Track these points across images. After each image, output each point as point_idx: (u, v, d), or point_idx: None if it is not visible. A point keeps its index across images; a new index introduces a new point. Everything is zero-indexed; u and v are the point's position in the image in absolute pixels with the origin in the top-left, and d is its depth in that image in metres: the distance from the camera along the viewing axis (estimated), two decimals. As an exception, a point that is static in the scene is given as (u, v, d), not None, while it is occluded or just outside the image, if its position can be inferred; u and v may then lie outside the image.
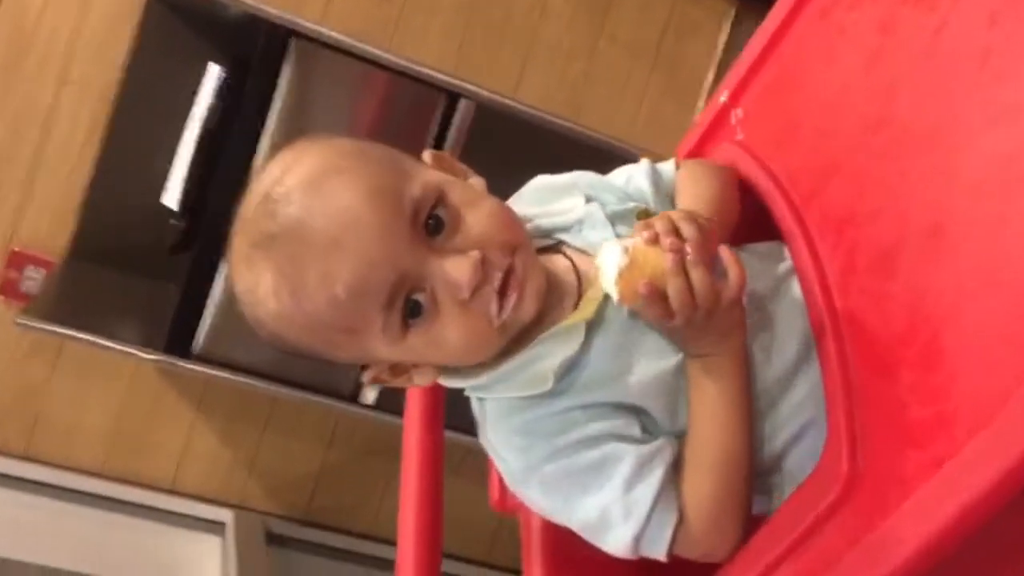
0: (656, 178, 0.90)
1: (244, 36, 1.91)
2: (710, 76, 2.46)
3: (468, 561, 2.40)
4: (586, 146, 2.03)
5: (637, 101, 2.38)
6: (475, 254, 0.72)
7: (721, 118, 0.98)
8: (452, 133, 1.90)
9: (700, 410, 0.77)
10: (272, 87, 1.85)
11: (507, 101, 1.96)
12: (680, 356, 0.78)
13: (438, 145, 1.91)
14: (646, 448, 0.76)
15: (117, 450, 2.29)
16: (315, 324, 0.74)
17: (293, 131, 1.86)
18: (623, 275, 0.71)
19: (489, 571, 2.44)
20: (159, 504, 2.30)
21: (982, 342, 0.61)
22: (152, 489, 2.30)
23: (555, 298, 0.80)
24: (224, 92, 1.96)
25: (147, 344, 1.94)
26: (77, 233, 2.17)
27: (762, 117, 0.94)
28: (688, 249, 0.71)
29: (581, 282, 0.81)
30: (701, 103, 2.44)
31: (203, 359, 1.90)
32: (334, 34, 1.85)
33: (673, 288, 0.71)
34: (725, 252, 0.74)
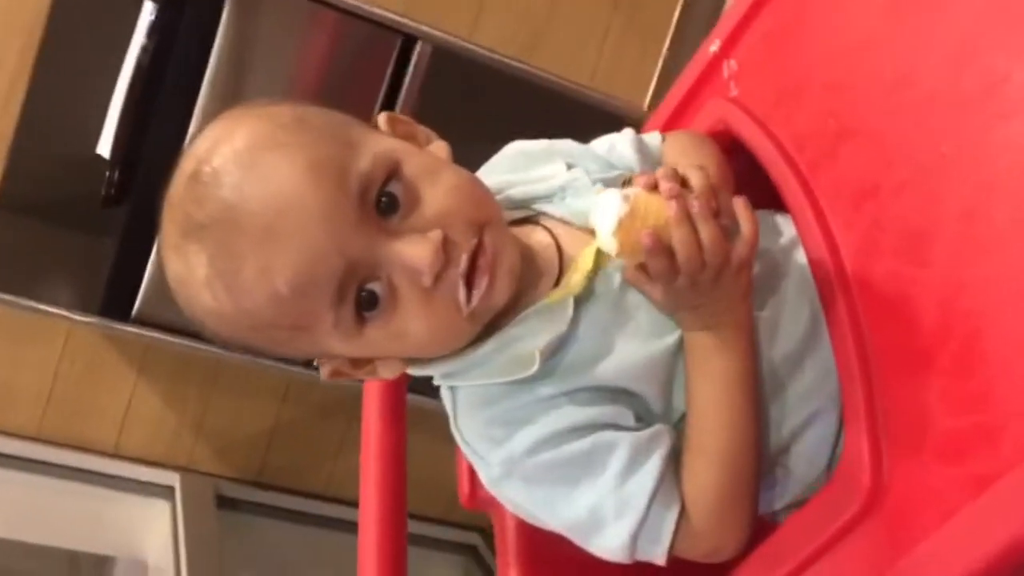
0: (641, 147, 0.82)
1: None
2: (675, 15, 2.35)
3: (427, 519, 2.35)
4: (548, 91, 1.93)
5: (599, 42, 2.27)
6: (436, 234, 0.63)
7: (712, 70, 0.89)
8: (408, 79, 1.78)
9: (703, 390, 0.69)
10: (212, 27, 1.72)
11: (465, 44, 1.85)
12: (676, 335, 0.69)
13: (393, 92, 1.80)
14: (642, 435, 0.68)
15: (54, 413, 2.19)
16: (257, 322, 0.65)
17: (235, 75, 1.75)
18: (623, 224, 0.63)
19: (449, 528, 2.40)
20: (102, 469, 2.22)
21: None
22: (94, 453, 2.22)
23: (532, 276, 0.71)
24: (158, 32, 1.82)
25: (82, 306, 1.83)
26: (2, 183, 2.03)
27: (760, 70, 0.84)
28: (694, 202, 0.64)
29: (563, 257, 0.72)
30: (666, 44, 2.34)
31: (143, 322, 1.79)
32: (278, -31, 1.71)
33: (679, 239, 0.63)
34: (740, 204, 0.65)
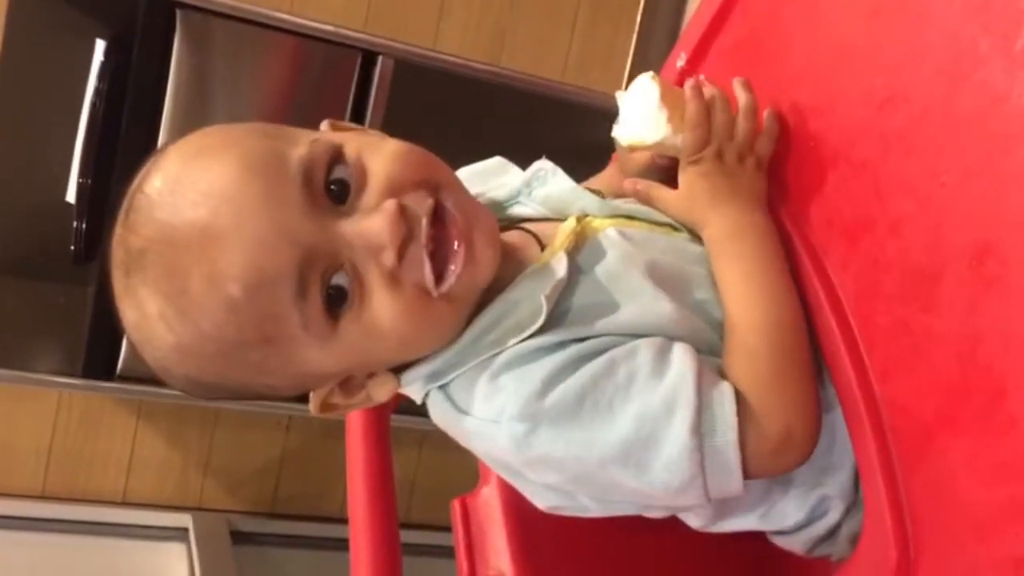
0: None
1: (127, 11, 1.70)
2: (643, -6, 2.27)
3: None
4: (519, 91, 1.86)
5: (568, 30, 2.19)
6: (389, 203, 0.58)
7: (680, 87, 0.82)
8: (372, 95, 1.72)
9: (736, 272, 0.64)
10: (164, 64, 1.66)
11: (427, 53, 1.78)
12: (674, 303, 0.62)
13: (359, 109, 1.73)
14: (658, 339, 0.60)
15: (57, 469, 2.18)
16: (223, 346, 0.59)
17: (193, 112, 1.68)
18: (665, 96, 0.68)
19: (408, 531, 2.37)
20: (113, 519, 2.20)
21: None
22: (103, 504, 2.21)
23: (515, 267, 0.64)
24: (109, 73, 1.75)
25: (68, 364, 1.78)
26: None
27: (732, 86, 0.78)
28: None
29: (544, 248, 0.67)
30: (637, 22, 2.26)
31: (128, 378, 1.74)
32: (224, 0, 1.64)
33: (717, 107, 0.68)
34: (766, 110, 0.69)
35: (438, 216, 0.60)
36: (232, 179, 0.57)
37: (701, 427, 0.57)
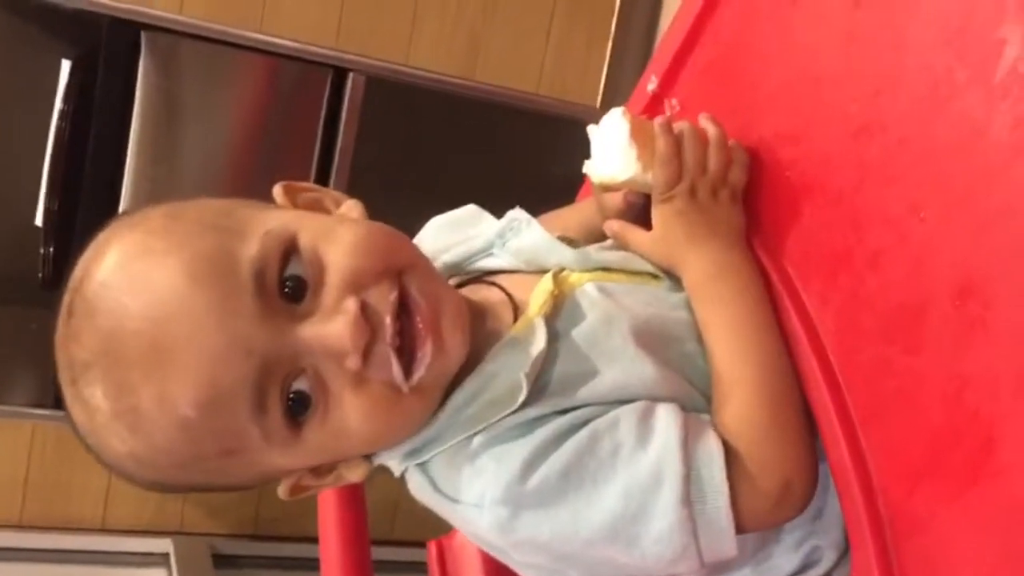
0: None
1: (91, 33, 1.67)
2: (617, 1, 2.25)
3: (373, 543, 2.30)
4: (494, 104, 1.84)
5: (542, 40, 2.17)
6: (350, 303, 0.55)
7: (653, 112, 0.79)
8: (344, 113, 1.69)
9: (719, 319, 0.61)
10: (130, 87, 1.62)
11: (399, 68, 1.76)
12: (657, 365, 0.59)
13: (332, 128, 1.70)
14: (640, 404, 0.58)
15: (34, 497, 2.14)
16: (178, 458, 0.57)
17: (161, 134, 1.65)
18: (634, 130, 0.65)
19: (395, 548, 2.35)
20: (92, 546, 2.19)
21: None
22: (82, 532, 2.18)
23: (486, 334, 0.61)
24: (75, 94, 1.72)
25: (39, 395, 1.75)
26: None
27: (707, 109, 0.74)
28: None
29: (517, 307, 0.63)
30: (612, 31, 2.24)
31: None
32: (191, 20, 1.62)
33: (686, 137, 0.65)
34: (733, 142, 0.66)
35: (403, 306, 0.57)
36: (178, 290, 0.54)
37: (691, 495, 0.55)
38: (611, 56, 2.18)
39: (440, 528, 0.85)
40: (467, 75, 1.88)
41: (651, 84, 0.80)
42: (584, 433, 0.56)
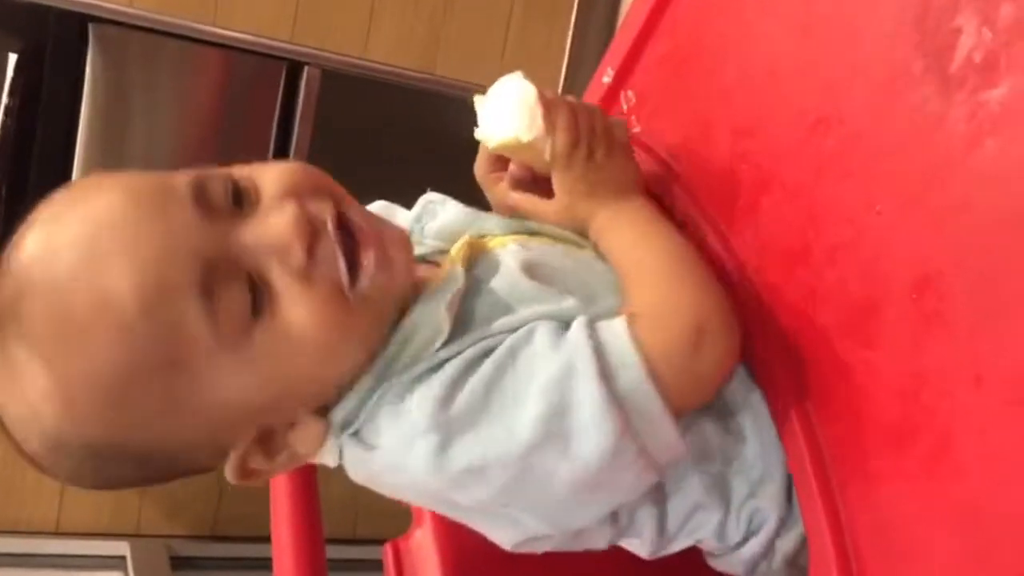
0: None
1: (37, 25, 1.62)
2: (577, -10, 2.25)
3: (335, 541, 2.28)
4: (454, 97, 1.82)
5: (502, 31, 2.15)
6: (290, 203, 0.56)
7: (608, 104, 0.78)
8: (300, 106, 1.67)
9: (625, 243, 0.63)
10: (78, 80, 1.58)
11: (356, 61, 1.73)
12: (578, 302, 0.59)
13: (286, 122, 1.68)
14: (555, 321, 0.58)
15: (-16, 502, 2.10)
16: (117, 382, 0.53)
17: (110, 127, 1.61)
18: (541, 95, 0.65)
19: (359, 547, 2.33)
20: (46, 550, 2.15)
21: (1016, 454, 0.44)
22: (36, 535, 2.15)
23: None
24: (21, 88, 1.67)
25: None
26: None
27: (661, 103, 0.74)
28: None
29: None
30: (572, 20, 2.23)
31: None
32: (141, 12, 1.58)
33: (578, 107, 0.65)
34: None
35: (343, 225, 0.56)
36: (118, 205, 0.54)
37: (605, 367, 0.54)
38: (571, 49, 2.17)
39: (403, 525, 0.84)
40: (427, 68, 1.86)
41: (607, 76, 0.79)
42: (501, 350, 0.56)
